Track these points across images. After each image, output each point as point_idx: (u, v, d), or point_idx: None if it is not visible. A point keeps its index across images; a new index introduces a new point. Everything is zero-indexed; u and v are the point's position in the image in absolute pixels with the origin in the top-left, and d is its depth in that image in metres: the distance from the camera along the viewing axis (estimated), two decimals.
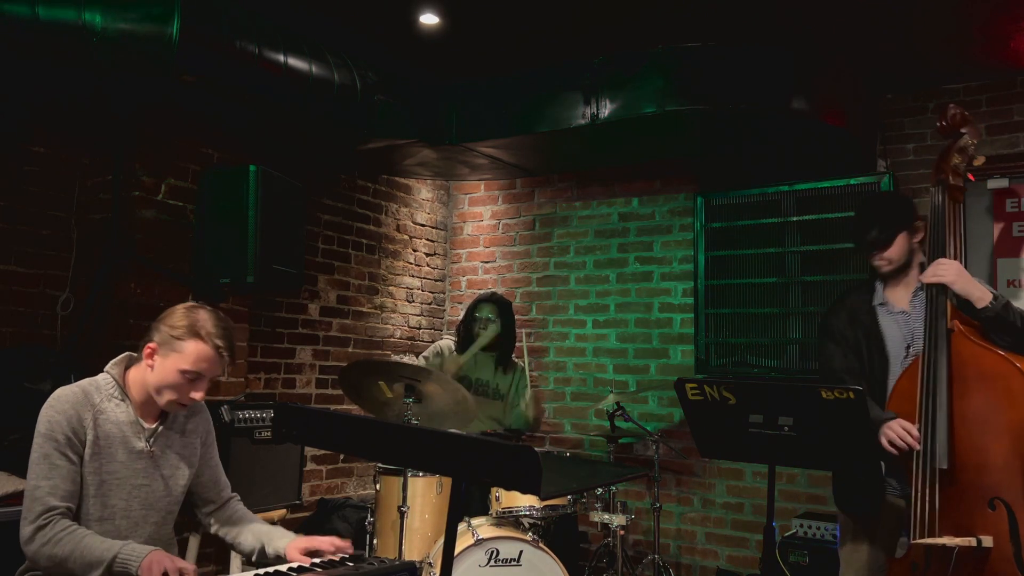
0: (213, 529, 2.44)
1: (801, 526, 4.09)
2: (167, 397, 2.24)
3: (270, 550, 2.28)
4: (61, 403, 2.14)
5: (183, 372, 2.19)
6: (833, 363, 2.92)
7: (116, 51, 3.13)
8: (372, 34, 4.00)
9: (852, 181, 4.30)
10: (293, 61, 3.63)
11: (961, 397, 2.60)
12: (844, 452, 2.56)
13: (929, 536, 2.54)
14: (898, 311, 2.90)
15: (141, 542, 2.23)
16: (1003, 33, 3.76)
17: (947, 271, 2.66)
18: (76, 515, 2.13)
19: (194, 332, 2.20)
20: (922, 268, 2.90)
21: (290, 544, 2.25)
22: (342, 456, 4.87)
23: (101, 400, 2.20)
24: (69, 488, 2.09)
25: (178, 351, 2.19)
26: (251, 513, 2.48)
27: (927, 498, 2.56)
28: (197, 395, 2.25)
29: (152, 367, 2.21)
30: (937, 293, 2.67)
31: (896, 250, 2.87)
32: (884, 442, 2.65)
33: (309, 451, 4.43)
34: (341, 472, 4.91)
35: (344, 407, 4.78)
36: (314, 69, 3.73)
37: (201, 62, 3.28)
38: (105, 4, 3.11)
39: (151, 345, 2.21)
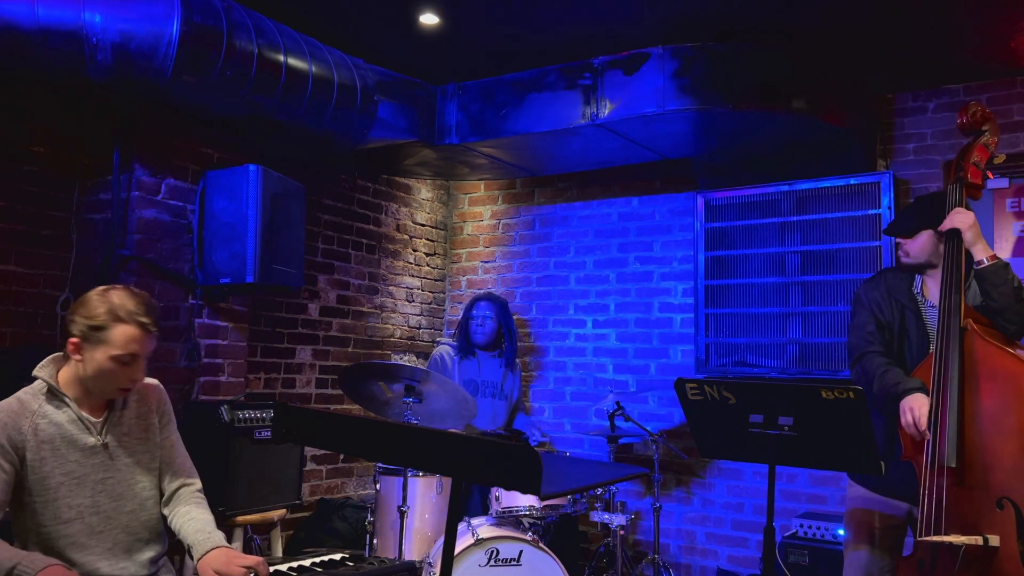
0: (168, 522, 2.34)
1: (801, 526, 4.09)
2: (108, 385, 2.19)
3: (195, 555, 2.23)
4: None
5: (116, 358, 2.15)
6: (867, 328, 2.91)
7: (116, 51, 3.13)
8: (372, 34, 4.00)
9: (852, 181, 4.30)
10: (293, 61, 3.63)
11: (972, 396, 2.60)
12: (844, 452, 2.56)
13: (936, 534, 2.54)
14: (931, 305, 2.91)
15: (121, 534, 2.22)
16: (1003, 33, 3.76)
17: (964, 218, 2.70)
18: (38, 522, 2.11)
19: (115, 316, 2.15)
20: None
21: (203, 561, 2.18)
22: (342, 456, 4.87)
23: (39, 405, 2.17)
24: None
25: (105, 340, 2.14)
26: (200, 507, 2.35)
27: (935, 496, 2.56)
28: (138, 375, 2.21)
29: (81, 361, 2.17)
30: (951, 289, 2.67)
31: (917, 245, 2.88)
32: (902, 418, 2.65)
33: (309, 451, 4.43)
34: (341, 472, 4.91)
35: (344, 407, 4.78)
36: (314, 69, 3.73)
37: (201, 62, 3.28)
38: (105, 4, 3.11)
39: (73, 340, 2.16)
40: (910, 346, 2.89)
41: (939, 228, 2.78)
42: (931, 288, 2.92)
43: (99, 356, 2.15)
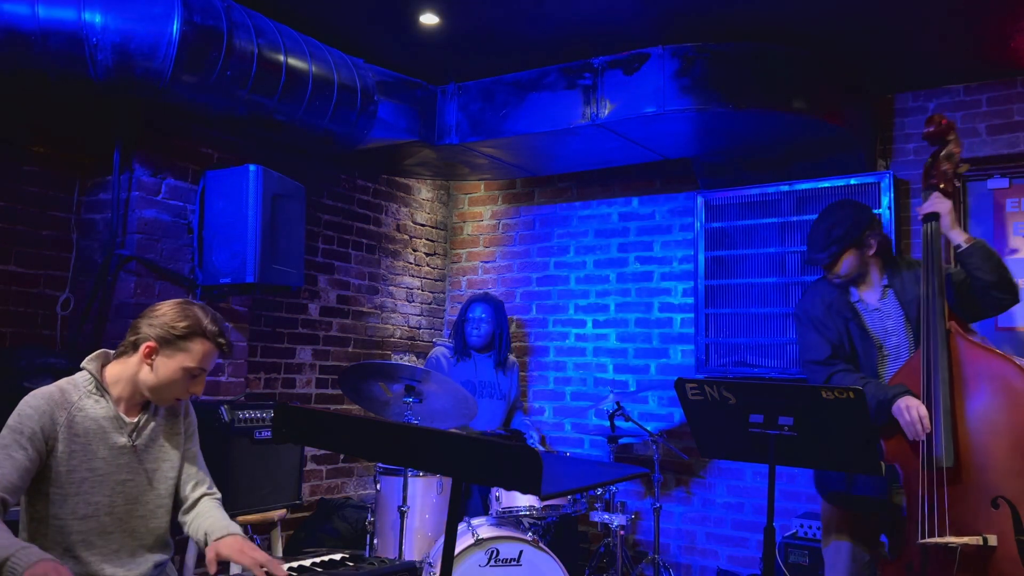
0: (185, 529, 2.36)
1: (801, 526, 4.09)
2: (170, 394, 2.25)
3: (209, 540, 2.24)
4: (36, 399, 2.14)
5: (187, 370, 2.22)
6: (822, 351, 2.95)
7: (116, 51, 3.13)
8: (372, 34, 4.00)
9: (852, 181, 4.30)
10: (293, 61, 3.63)
11: (960, 397, 2.62)
12: (844, 452, 2.56)
13: (934, 536, 2.55)
14: (873, 308, 2.97)
15: (127, 539, 2.23)
16: (1003, 33, 3.76)
17: (944, 204, 2.79)
18: (55, 514, 2.12)
19: (199, 331, 2.22)
20: (883, 265, 2.99)
21: (215, 543, 2.21)
22: (342, 456, 4.88)
23: (79, 397, 2.19)
24: (14, 482, 2.05)
25: (184, 351, 2.21)
26: (219, 509, 2.37)
27: (933, 498, 2.57)
28: (198, 389, 2.28)
29: (152, 365, 2.21)
30: (933, 292, 2.70)
31: (846, 268, 2.97)
32: (901, 420, 2.66)
33: (309, 451, 4.43)
34: (341, 472, 4.91)
35: (344, 407, 4.78)
36: (314, 69, 3.73)
37: (201, 62, 3.28)
38: (105, 4, 3.11)
39: (150, 344, 2.20)
40: (858, 355, 2.93)
41: (919, 211, 2.85)
42: (867, 293, 2.99)
43: (173, 364, 2.21)
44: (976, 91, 4.31)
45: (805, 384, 2.80)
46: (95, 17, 3.10)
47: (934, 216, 2.80)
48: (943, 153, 2.88)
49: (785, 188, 4.49)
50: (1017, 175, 4.25)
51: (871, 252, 2.95)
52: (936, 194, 2.83)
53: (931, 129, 2.90)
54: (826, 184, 4.36)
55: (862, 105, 4.36)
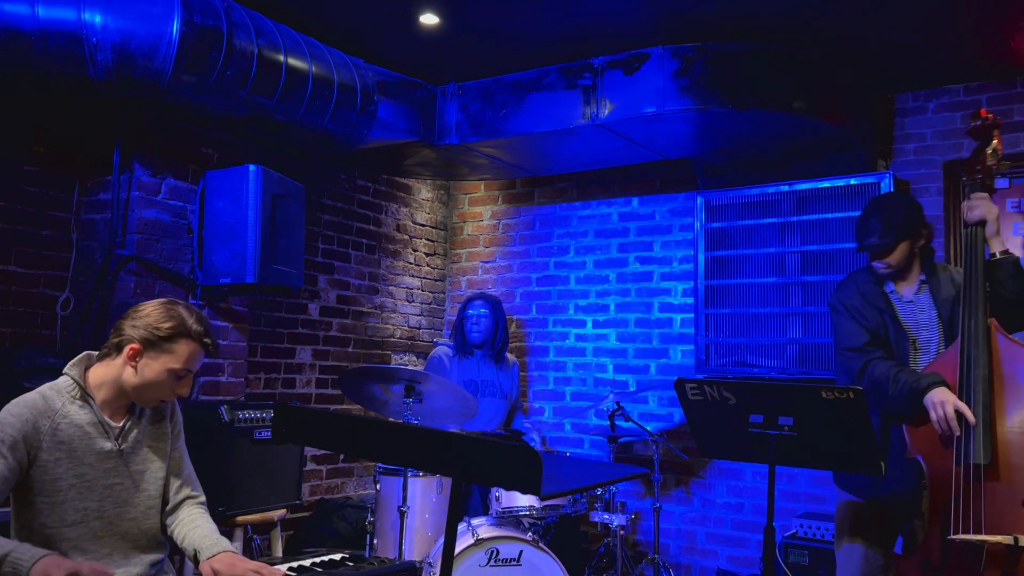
0: (169, 531, 2.34)
1: (801, 526, 4.09)
2: (155, 396, 2.22)
3: (202, 558, 2.23)
4: (18, 407, 2.10)
5: (173, 371, 2.18)
6: (860, 338, 2.89)
7: (116, 51, 3.13)
8: (372, 34, 4.00)
9: (852, 181, 4.29)
10: (293, 61, 3.63)
11: (1002, 394, 2.59)
12: (844, 452, 2.56)
13: (965, 533, 2.53)
14: (907, 301, 2.94)
15: (120, 541, 2.22)
16: (1003, 33, 3.76)
17: (992, 209, 2.78)
18: (44, 523, 2.10)
19: (184, 332, 2.18)
20: (922, 255, 2.96)
21: (208, 562, 2.19)
22: (342, 456, 4.88)
23: (63, 404, 2.15)
24: None
25: (169, 352, 2.17)
26: (204, 517, 2.36)
27: (963, 494, 2.55)
28: (184, 390, 2.23)
29: (136, 368, 2.17)
30: (974, 287, 2.68)
31: (897, 257, 2.92)
32: (932, 414, 2.61)
33: (309, 451, 4.43)
34: (341, 472, 4.91)
35: (344, 407, 4.78)
36: (314, 69, 3.73)
37: (201, 62, 3.28)
38: (105, 4, 3.11)
39: (134, 346, 2.16)
40: (891, 346, 2.90)
41: (967, 220, 2.80)
42: (903, 286, 2.96)
43: (157, 366, 2.17)
44: (976, 91, 4.30)
45: (805, 384, 2.79)
46: (95, 17, 3.10)
47: (982, 223, 2.79)
48: (990, 147, 2.86)
49: (785, 188, 4.49)
50: (1017, 175, 4.25)
51: (920, 244, 2.94)
52: (983, 197, 2.80)
53: (977, 124, 2.89)
54: (826, 184, 4.35)
55: (862, 105, 4.36)
